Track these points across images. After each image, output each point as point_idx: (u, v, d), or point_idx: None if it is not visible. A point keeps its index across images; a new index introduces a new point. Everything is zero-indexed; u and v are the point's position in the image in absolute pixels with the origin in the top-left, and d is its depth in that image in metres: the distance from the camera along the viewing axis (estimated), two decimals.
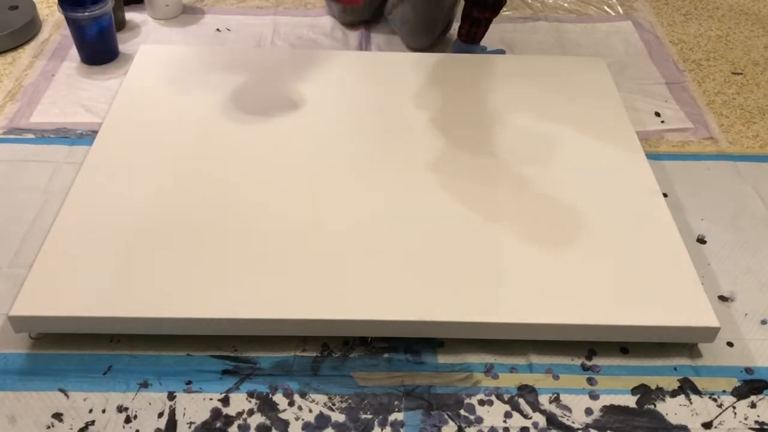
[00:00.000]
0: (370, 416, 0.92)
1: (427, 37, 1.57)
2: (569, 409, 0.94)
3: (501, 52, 1.57)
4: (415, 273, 1.02)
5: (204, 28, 1.66)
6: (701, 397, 0.97)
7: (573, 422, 0.93)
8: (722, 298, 1.09)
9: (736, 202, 1.26)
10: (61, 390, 0.94)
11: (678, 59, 1.62)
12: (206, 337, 0.99)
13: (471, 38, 1.51)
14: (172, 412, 0.92)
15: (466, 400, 0.95)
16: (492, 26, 1.54)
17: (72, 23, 1.45)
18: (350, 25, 1.67)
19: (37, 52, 1.55)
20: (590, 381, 0.98)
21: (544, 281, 1.02)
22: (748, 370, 1.00)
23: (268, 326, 0.98)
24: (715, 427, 0.93)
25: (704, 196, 1.26)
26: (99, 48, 1.50)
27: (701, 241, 1.18)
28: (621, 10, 1.79)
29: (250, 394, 0.94)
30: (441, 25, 1.58)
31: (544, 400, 0.95)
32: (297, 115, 1.31)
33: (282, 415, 0.92)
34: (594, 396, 0.96)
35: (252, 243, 1.06)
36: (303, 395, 0.94)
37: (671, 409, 0.95)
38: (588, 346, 1.01)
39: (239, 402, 0.93)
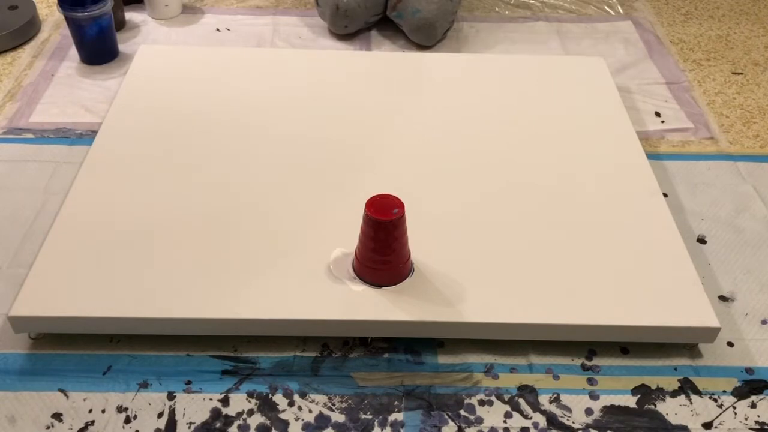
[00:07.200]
0: (370, 416, 0.92)
1: (434, 33, 1.57)
2: (569, 410, 0.94)
3: None
4: (415, 273, 1.02)
5: (204, 28, 1.66)
6: (701, 397, 0.96)
7: (573, 422, 0.93)
8: (722, 298, 1.09)
9: (736, 202, 1.26)
10: (61, 390, 0.94)
11: (678, 59, 1.62)
12: (206, 337, 0.99)
13: None
14: (172, 413, 0.92)
15: (466, 400, 0.95)
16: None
17: (72, 23, 1.45)
18: (345, 35, 1.62)
19: (36, 52, 1.55)
20: (590, 381, 0.98)
21: (545, 281, 1.02)
22: (749, 370, 1.00)
23: (268, 326, 0.98)
24: (716, 427, 0.93)
25: (704, 197, 1.26)
26: (99, 48, 1.50)
27: (701, 241, 1.18)
28: (621, 10, 1.79)
29: (250, 395, 0.94)
30: (448, 20, 1.57)
31: (544, 400, 0.95)
32: (297, 115, 1.31)
33: (282, 416, 0.92)
34: (594, 396, 0.96)
35: (252, 243, 1.06)
36: (303, 395, 0.94)
37: (671, 409, 0.95)
38: (588, 346, 1.01)
39: (239, 402, 0.93)
